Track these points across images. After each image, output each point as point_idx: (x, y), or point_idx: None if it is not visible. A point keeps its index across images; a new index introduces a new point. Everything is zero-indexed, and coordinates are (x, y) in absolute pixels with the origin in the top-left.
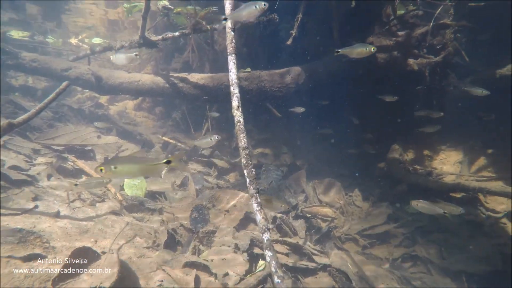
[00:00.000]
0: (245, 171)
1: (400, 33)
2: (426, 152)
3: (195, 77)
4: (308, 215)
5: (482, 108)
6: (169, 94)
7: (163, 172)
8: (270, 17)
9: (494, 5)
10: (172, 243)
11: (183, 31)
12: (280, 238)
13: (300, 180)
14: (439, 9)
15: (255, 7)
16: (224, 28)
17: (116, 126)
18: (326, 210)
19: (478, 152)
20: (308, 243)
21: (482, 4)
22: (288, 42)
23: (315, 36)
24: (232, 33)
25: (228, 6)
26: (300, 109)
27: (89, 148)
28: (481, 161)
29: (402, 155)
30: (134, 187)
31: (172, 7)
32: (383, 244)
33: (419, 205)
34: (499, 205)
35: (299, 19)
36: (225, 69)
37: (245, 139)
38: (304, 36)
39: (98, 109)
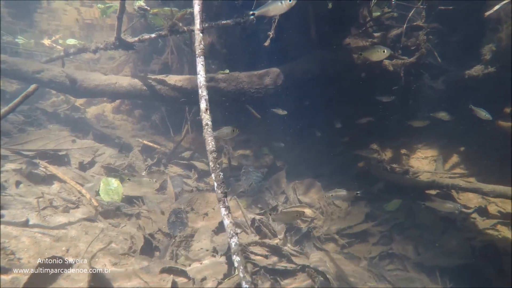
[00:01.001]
0: (212, 175)
1: (376, 34)
2: (403, 151)
3: (173, 79)
4: None
5: (453, 108)
6: (147, 97)
7: (143, 173)
8: (246, 19)
9: (463, 9)
10: (149, 249)
11: (160, 32)
12: (259, 240)
13: (280, 181)
14: (412, 11)
15: (281, 2)
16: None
17: (93, 130)
18: (306, 211)
19: (451, 150)
20: (288, 244)
21: (451, 8)
22: (266, 44)
23: (293, 37)
24: (201, 34)
25: (197, 8)
26: (281, 112)
27: (63, 153)
28: (454, 158)
29: (380, 154)
30: (111, 192)
31: (149, 8)
32: (361, 243)
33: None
34: (471, 201)
35: (276, 20)
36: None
37: (213, 143)
38: (283, 37)
39: (74, 112)
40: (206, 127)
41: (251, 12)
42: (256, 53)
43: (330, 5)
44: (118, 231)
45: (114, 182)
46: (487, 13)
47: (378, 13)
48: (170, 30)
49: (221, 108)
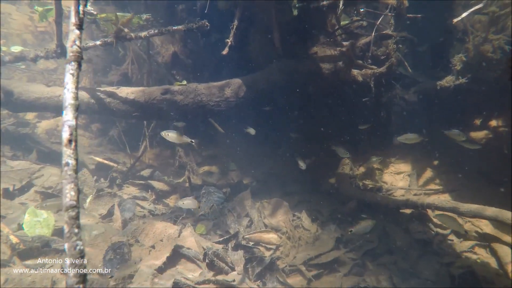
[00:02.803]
0: (65, 246)
1: (345, 43)
2: (376, 166)
3: (125, 91)
4: (250, 243)
5: (425, 120)
6: (95, 111)
7: (88, 200)
8: (200, 24)
9: (430, 18)
10: None
11: (106, 39)
12: (213, 278)
13: (244, 202)
14: (380, 19)
15: None
16: (168, 39)
17: (40, 147)
18: (271, 236)
19: (425, 164)
20: (246, 281)
21: (419, 16)
22: (224, 52)
23: (259, 46)
24: (77, 31)
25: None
26: (252, 131)
27: None
28: (428, 173)
29: (353, 169)
30: (38, 224)
31: (95, 12)
32: (331, 274)
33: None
34: None
35: (235, 26)
36: (165, 82)
37: (72, 193)
38: (249, 46)
39: (21, 127)
40: (65, 168)
41: None
42: (222, 64)
43: (295, 12)
44: (36, 276)
45: (43, 212)
46: (455, 20)
47: (347, 22)
48: (116, 37)
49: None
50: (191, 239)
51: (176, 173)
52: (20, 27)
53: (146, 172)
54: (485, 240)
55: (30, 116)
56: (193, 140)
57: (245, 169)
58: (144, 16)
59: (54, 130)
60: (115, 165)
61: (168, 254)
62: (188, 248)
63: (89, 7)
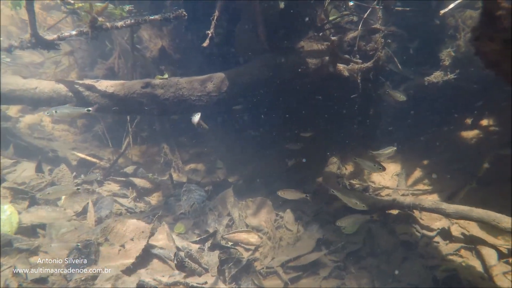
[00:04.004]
0: None
1: (333, 38)
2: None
3: (104, 84)
4: (229, 243)
5: (415, 118)
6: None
7: (63, 197)
8: (177, 14)
9: (420, 12)
10: None
11: (81, 29)
12: (183, 280)
13: (227, 200)
14: (368, 12)
15: None
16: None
17: (20, 142)
18: (251, 237)
19: (414, 163)
20: (219, 283)
21: (408, 9)
22: (204, 44)
23: (245, 40)
24: None
25: None
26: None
27: None
28: (417, 173)
29: (341, 168)
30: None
31: (72, 1)
32: (310, 277)
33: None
34: (434, 221)
35: (215, 17)
36: (153, 77)
37: None
38: (235, 39)
39: (3, 121)
40: None
41: None
42: (211, 59)
43: (282, 5)
44: None
45: (7, 209)
46: (442, 12)
47: (335, 16)
48: (91, 27)
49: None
50: (165, 239)
51: (161, 170)
52: (5, 19)
53: (130, 169)
54: (471, 242)
55: (13, 110)
56: (90, 109)
57: (233, 167)
58: (127, 8)
59: (38, 125)
60: (98, 161)
61: (137, 254)
62: (161, 248)
63: None
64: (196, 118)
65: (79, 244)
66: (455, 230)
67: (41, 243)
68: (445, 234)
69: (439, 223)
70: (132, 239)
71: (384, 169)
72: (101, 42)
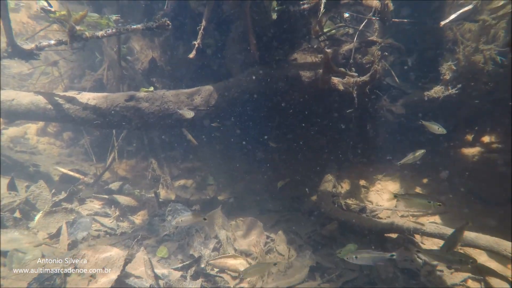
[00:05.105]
0: None
1: (328, 50)
2: (362, 183)
3: (86, 96)
4: (215, 270)
5: (413, 134)
6: (52, 117)
7: (37, 217)
8: (160, 23)
9: (419, 25)
10: None
11: (61, 39)
12: None
13: (215, 221)
14: (364, 23)
15: None
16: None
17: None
18: (239, 263)
19: (414, 182)
20: None
21: (406, 21)
22: (191, 56)
23: (235, 52)
24: None
25: None
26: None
27: None
28: (417, 191)
29: (336, 186)
30: None
31: (53, 9)
32: None
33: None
34: (437, 245)
35: (202, 27)
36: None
37: None
38: (227, 52)
39: None
40: None
41: None
42: (203, 71)
43: (274, 16)
44: None
45: None
46: (443, 22)
47: (329, 28)
48: (70, 36)
49: (160, 130)
50: (142, 266)
51: (150, 186)
52: None
53: (115, 185)
54: (479, 272)
55: None
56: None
57: (224, 183)
58: (114, 17)
59: (21, 138)
60: (82, 177)
61: (109, 286)
62: (138, 277)
63: (45, 2)
64: (185, 112)
65: (41, 276)
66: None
67: None
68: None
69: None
70: (104, 268)
71: (444, 204)
72: (91, 53)
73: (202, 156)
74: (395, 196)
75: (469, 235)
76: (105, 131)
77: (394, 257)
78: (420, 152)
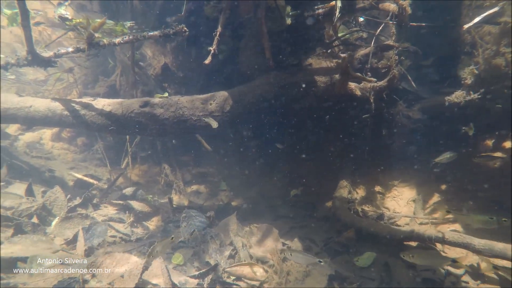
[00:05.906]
0: None
1: (343, 55)
2: (378, 189)
3: (101, 103)
4: (231, 278)
5: (431, 139)
6: (69, 124)
7: (54, 222)
8: (177, 29)
9: (437, 29)
10: None
11: (78, 46)
12: None
13: (229, 228)
14: (381, 27)
15: None
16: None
17: (12, 161)
18: (255, 270)
19: (432, 188)
20: None
21: (423, 24)
22: (207, 61)
23: (250, 57)
24: None
25: None
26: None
27: None
28: (435, 198)
29: (352, 192)
30: None
31: (70, 17)
32: None
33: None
34: (460, 255)
35: (218, 33)
36: (153, 95)
37: None
38: (239, 56)
39: (2, 139)
40: None
41: None
42: (216, 76)
43: (289, 21)
44: None
45: None
46: (466, 26)
47: (343, 32)
48: (88, 43)
49: (174, 136)
50: (160, 273)
51: (162, 191)
52: (10, 36)
53: (129, 191)
54: (509, 284)
55: (13, 128)
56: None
57: (238, 189)
58: (128, 24)
59: (37, 143)
60: (96, 182)
61: None
62: (156, 285)
63: (63, 11)
64: (211, 120)
65: (61, 283)
66: (486, 269)
67: (17, 281)
68: (475, 272)
69: (469, 259)
70: (122, 276)
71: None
72: (104, 59)
73: (214, 161)
74: (448, 212)
75: (497, 245)
76: (119, 137)
77: (322, 263)
78: (453, 154)
